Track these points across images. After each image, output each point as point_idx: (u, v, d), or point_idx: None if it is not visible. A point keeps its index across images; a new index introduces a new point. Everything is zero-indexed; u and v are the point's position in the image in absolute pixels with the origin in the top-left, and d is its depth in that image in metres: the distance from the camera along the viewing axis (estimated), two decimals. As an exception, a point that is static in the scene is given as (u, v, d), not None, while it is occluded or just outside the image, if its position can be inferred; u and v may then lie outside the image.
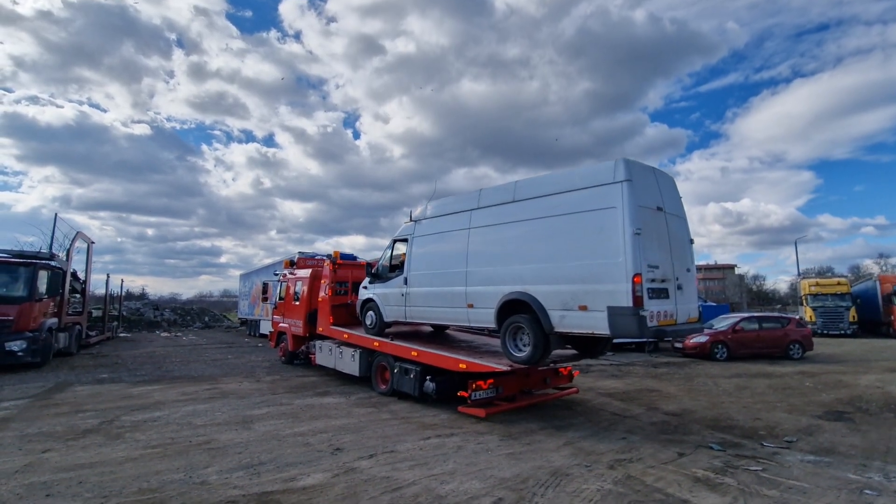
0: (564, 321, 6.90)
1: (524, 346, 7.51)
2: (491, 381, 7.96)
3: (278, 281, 15.65)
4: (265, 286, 15.57)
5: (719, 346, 17.00)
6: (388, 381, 9.79)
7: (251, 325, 28.96)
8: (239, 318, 33.44)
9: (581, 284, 6.71)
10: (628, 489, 4.71)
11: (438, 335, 11.54)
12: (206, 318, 43.14)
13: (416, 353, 8.98)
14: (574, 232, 6.95)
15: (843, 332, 27.32)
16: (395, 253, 10.76)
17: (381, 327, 10.55)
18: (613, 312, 6.31)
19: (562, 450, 6.09)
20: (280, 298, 15.22)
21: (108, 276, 24.16)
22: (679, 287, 7.08)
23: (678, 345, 18.11)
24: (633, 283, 6.18)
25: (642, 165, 7.07)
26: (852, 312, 27.81)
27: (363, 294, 11.25)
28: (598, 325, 6.49)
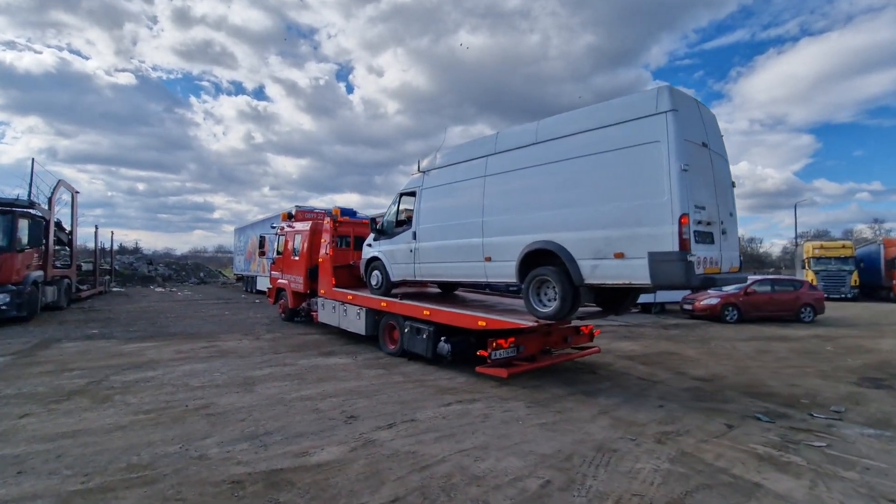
0: (597, 271, 6.25)
1: (549, 300, 6.92)
2: (512, 339, 7.38)
3: (276, 234, 14.84)
4: (262, 240, 14.80)
5: (730, 308, 16.56)
6: (397, 341, 9.21)
7: (247, 281, 28.37)
8: (235, 275, 32.79)
9: (617, 229, 6.04)
10: (689, 469, 4.16)
11: (447, 296, 10.93)
12: (202, 274, 42.57)
13: (428, 312, 8.36)
14: (608, 172, 6.21)
15: (843, 295, 27.05)
16: (401, 207, 9.95)
17: (387, 287, 9.89)
18: (656, 259, 5.66)
19: (598, 420, 5.54)
20: (278, 253, 14.48)
21: (96, 229, 23.23)
22: (723, 232, 6.41)
23: (687, 306, 17.69)
24: (680, 224, 5.51)
25: (686, 95, 6.23)
26: (854, 276, 27.52)
27: (367, 252, 10.52)
28: (636, 273, 5.85)
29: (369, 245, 10.57)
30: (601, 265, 6.22)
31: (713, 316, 16.60)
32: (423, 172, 9.35)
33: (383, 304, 9.52)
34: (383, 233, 10.06)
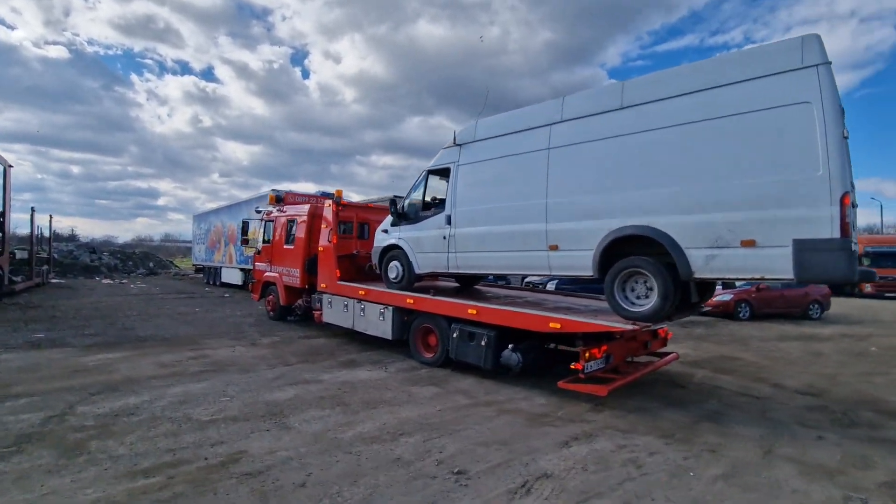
0: (713, 263, 5.03)
1: (641, 297, 5.71)
2: (605, 347, 6.01)
3: (261, 220, 12.77)
4: (245, 226, 12.69)
5: (743, 305, 15.98)
6: (436, 347, 7.63)
7: (210, 273, 25.66)
8: (195, 265, 29.78)
9: (746, 211, 4.84)
10: None
11: (469, 291, 9.48)
12: (151, 264, 38.92)
13: (475, 311, 6.87)
14: (733, 141, 4.97)
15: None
16: (430, 185, 8.31)
17: (409, 280, 8.31)
18: (806, 247, 4.52)
19: (778, 465, 4.21)
20: (265, 241, 12.44)
21: (32, 211, 19.98)
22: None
23: (697, 302, 16.97)
24: (842, 204, 4.39)
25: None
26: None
27: (382, 240, 8.87)
28: (773, 266, 4.71)
29: (385, 231, 8.90)
30: (720, 255, 4.99)
31: (726, 312, 15.93)
32: (460, 145, 7.77)
33: (409, 300, 7.89)
34: (405, 217, 8.44)
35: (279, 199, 12.58)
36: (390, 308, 8.32)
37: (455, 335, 7.16)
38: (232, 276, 22.24)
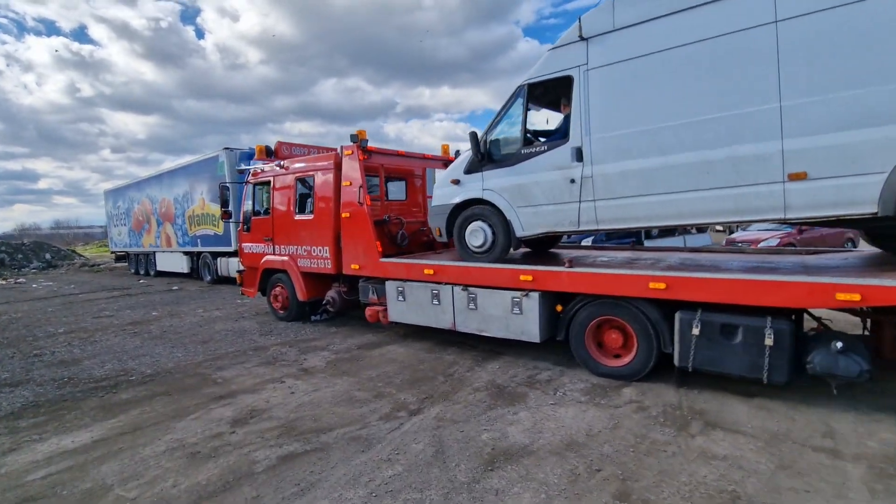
0: None
1: None
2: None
3: (247, 183, 8.89)
4: (223, 193, 8.70)
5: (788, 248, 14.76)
6: (632, 349, 4.85)
7: (138, 261, 20.68)
8: (114, 252, 24.14)
9: None
10: None
11: (547, 255, 7.04)
12: (48, 256, 31.77)
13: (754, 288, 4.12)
14: None
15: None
16: (530, 109, 5.52)
17: (504, 247, 5.74)
18: None
19: None
20: (258, 212, 8.70)
21: None
22: None
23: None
24: None
25: None
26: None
27: (449, 195, 6.13)
28: None
29: (456, 182, 5.91)
30: None
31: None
32: (587, 39, 4.92)
33: (565, 277, 5.03)
34: (490, 159, 5.67)
35: (270, 153, 8.77)
36: (534, 295, 5.32)
37: (696, 329, 4.36)
38: (173, 262, 17.76)
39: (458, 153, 8.95)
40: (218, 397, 4.78)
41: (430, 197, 9.09)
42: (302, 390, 4.89)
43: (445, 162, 8.84)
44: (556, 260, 6.14)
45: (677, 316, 4.48)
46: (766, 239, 14.40)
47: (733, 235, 16.38)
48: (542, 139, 5.53)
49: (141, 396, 4.95)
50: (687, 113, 4.42)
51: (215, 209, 14.38)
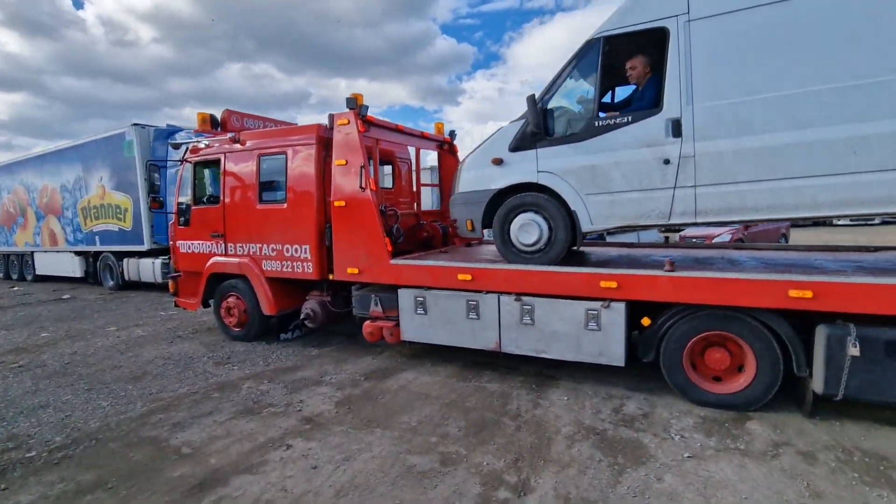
0: None
1: None
2: None
3: (185, 161, 6.78)
4: (150, 172, 6.45)
5: (738, 243, 15.22)
6: (748, 371, 3.92)
7: (9, 263, 16.78)
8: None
9: None
10: None
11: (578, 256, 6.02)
12: None
13: None
14: None
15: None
16: (602, 68, 4.39)
17: (564, 245, 4.56)
18: None
19: None
20: (204, 200, 6.67)
21: None
22: None
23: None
24: None
25: None
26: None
27: (490, 178, 4.83)
28: None
29: (499, 162, 4.70)
30: None
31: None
32: None
33: (667, 283, 4.03)
34: (545, 134, 4.48)
35: (217, 123, 6.75)
36: (618, 306, 4.16)
37: (853, 349, 3.44)
38: (60, 264, 14.47)
39: (452, 133, 7.61)
40: (196, 486, 3.03)
41: (424, 184, 7.70)
42: (326, 460, 3.29)
43: (440, 143, 7.45)
44: (627, 262, 5.06)
45: (822, 331, 3.55)
46: (719, 235, 14.63)
47: (685, 232, 16.57)
48: (625, 108, 4.42)
49: (53, 497, 3.04)
50: (836, 75, 3.50)
51: (120, 199, 11.65)
